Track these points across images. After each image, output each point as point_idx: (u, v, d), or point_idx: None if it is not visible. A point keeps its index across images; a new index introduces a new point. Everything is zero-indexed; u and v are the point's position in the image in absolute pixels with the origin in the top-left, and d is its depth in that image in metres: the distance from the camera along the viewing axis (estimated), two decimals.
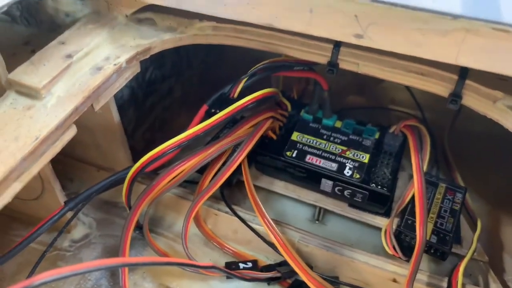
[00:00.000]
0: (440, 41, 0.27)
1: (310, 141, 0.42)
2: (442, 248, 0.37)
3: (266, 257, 0.41)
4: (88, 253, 0.41)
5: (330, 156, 0.41)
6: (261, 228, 0.39)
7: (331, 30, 0.30)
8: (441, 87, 0.33)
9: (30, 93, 0.30)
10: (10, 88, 0.30)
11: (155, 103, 0.50)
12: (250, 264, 0.38)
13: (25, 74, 0.30)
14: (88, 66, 0.32)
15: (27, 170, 0.27)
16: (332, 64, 0.35)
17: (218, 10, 0.32)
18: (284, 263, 0.38)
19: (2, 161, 0.26)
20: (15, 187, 0.27)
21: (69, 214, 0.36)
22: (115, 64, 0.33)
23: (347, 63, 0.34)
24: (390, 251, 0.38)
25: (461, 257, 0.37)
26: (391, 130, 0.42)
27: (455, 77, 0.32)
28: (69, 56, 0.32)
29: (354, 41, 0.29)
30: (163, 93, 0.51)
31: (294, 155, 0.41)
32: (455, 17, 0.26)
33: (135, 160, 0.44)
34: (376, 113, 0.55)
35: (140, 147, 0.48)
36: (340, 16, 0.28)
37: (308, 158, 0.41)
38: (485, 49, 0.26)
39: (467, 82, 0.32)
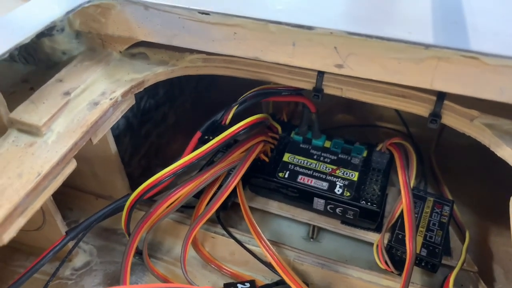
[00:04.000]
0: (415, 68, 0.29)
1: (301, 162, 0.44)
2: (432, 261, 0.38)
3: (263, 277, 0.42)
4: (90, 281, 0.42)
5: (321, 176, 0.42)
6: (258, 249, 0.41)
7: (313, 61, 0.31)
8: (421, 108, 0.35)
9: (31, 130, 0.31)
10: (11, 126, 0.32)
11: (150, 131, 0.51)
12: (248, 285, 0.39)
13: (26, 112, 0.32)
14: (86, 102, 0.34)
15: (30, 205, 0.28)
16: (317, 90, 0.36)
17: (206, 45, 0.34)
18: (281, 282, 0.39)
19: (7, 198, 0.27)
20: (20, 222, 0.28)
21: (70, 243, 0.37)
22: (111, 99, 0.34)
23: (331, 88, 0.36)
24: (382, 266, 0.39)
25: (451, 268, 0.38)
26: (378, 148, 0.44)
27: (434, 98, 0.34)
28: (67, 93, 0.34)
29: (335, 70, 0.31)
30: (157, 120, 0.52)
31: (286, 176, 0.43)
32: (427, 46, 0.27)
33: (132, 187, 0.46)
34: (365, 130, 0.57)
35: (137, 174, 0.49)
36: (321, 48, 0.30)
37: (300, 178, 0.42)
38: (456, 74, 0.28)
39: (445, 102, 0.34)
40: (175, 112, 0.56)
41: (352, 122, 0.58)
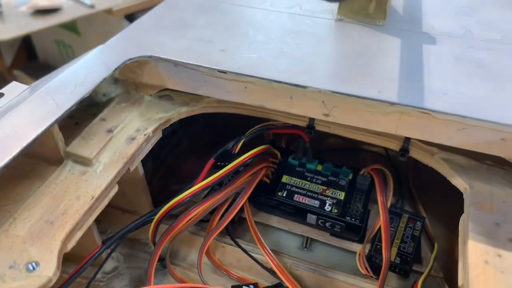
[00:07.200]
0: (383, 119, 0.37)
1: (297, 183, 0.51)
2: (404, 267, 0.45)
3: (264, 281, 0.48)
4: (118, 283, 0.49)
5: (313, 195, 0.49)
6: (260, 257, 0.48)
7: (306, 110, 0.40)
8: (393, 144, 0.43)
9: (84, 161, 0.39)
10: (67, 158, 0.39)
11: (168, 154, 0.59)
12: (251, 287, 0.45)
13: (79, 147, 0.40)
14: (124, 137, 0.42)
15: (86, 221, 0.36)
16: (310, 127, 0.45)
17: (223, 95, 0.42)
18: (279, 285, 0.46)
19: (70, 216, 0.35)
20: (78, 235, 0.35)
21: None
22: (145, 135, 0.42)
23: (321, 126, 0.44)
24: (363, 271, 0.45)
25: (421, 274, 0.45)
26: (361, 172, 0.51)
27: (403, 137, 0.42)
28: (110, 130, 0.42)
29: (323, 118, 0.40)
30: (174, 145, 0.60)
31: (284, 195, 0.50)
32: (392, 104, 0.36)
33: (153, 203, 0.53)
34: (351, 153, 0.64)
35: (157, 192, 0.57)
36: (312, 102, 0.39)
37: (296, 197, 0.50)
38: (415, 124, 0.36)
39: (412, 140, 0.42)
40: (188, 136, 0.64)
41: (341, 145, 0.66)
